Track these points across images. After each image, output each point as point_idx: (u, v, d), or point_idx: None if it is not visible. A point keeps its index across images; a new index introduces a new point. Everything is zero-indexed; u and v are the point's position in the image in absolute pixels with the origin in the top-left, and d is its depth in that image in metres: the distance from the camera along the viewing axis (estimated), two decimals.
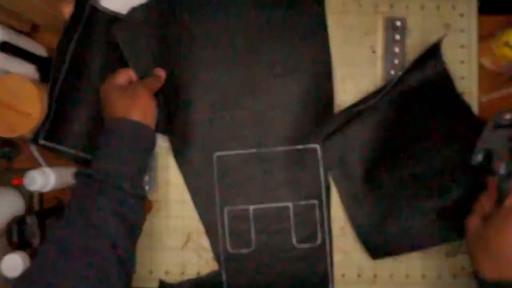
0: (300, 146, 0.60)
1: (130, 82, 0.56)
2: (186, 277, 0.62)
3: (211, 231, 0.61)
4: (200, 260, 0.62)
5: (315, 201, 0.60)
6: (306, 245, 0.60)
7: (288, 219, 0.60)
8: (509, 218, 0.40)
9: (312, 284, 0.60)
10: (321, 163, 0.60)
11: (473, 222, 0.44)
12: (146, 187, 0.61)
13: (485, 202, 0.44)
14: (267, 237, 0.60)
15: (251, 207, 0.60)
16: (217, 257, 0.61)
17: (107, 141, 0.50)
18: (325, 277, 0.60)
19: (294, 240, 0.60)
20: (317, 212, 0.60)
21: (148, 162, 0.54)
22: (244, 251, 0.60)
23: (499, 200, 0.42)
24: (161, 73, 0.58)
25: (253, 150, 0.61)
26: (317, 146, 0.60)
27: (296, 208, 0.60)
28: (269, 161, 0.61)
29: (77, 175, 0.49)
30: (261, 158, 0.61)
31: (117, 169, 0.49)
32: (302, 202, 0.60)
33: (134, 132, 0.51)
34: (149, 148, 0.54)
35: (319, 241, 0.60)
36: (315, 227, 0.60)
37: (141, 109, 0.52)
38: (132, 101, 0.51)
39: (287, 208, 0.60)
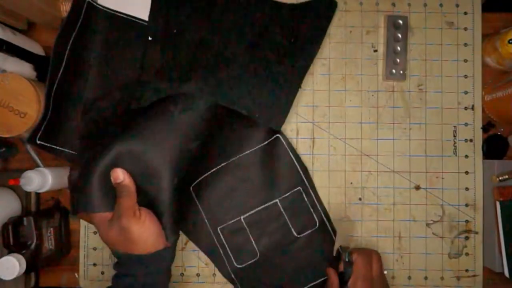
0: (265, 142, 0.60)
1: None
2: (186, 278, 0.61)
3: (214, 256, 0.60)
4: (200, 261, 0.61)
5: (299, 188, 0.60)
6: (307, 232, 0.60)
7: (281, 215, 0.60)
8: None
9: (327, 264, 0.59)
10: (288, 149, 0.60)
11: None
12: None
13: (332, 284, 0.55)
14: (268, 239, 0.60)
15: (242, 217, 0.60)
16: (229, 277, 0.60)
17: (117, 279, 0.49)
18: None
19: (294, 232, 0.60)
20: (305, 197, 0.60)
21: (165, 283, 0.51)
22: (251, 261, 0.60)
23: (342, 282, 0.54)
24: (121, 178, 0.49)
25: (223, 164, 0.60)
26: (279, 135, 0.60)
27: (284, 202, 0.60)
28: (242, 168, 0.60)
29: None
30: (234, 168, 0.60)
31: None
32: (287, 194, 0.60)
33: (140, 267, 0.48)
34: (162, 271, 0.51)
35: (317, 223, 0.60)
36: (309, 211, 0.60)
37: (139, 243, 0.48)
38: (125, 238, 0.48)
39: (275, 205, 0.60)
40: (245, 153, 0.60)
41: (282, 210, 0.60)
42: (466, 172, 0.61)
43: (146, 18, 0.60)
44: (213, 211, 0.60)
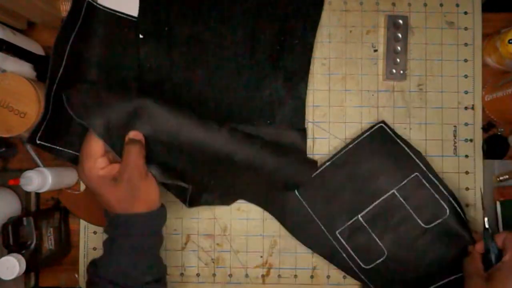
0: (367, 133, 0.59)
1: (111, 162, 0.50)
2: (185, 278, 0.61)
3: (337, 260, 0.58)
4: (200, 261, 0.61)
5: (416, 174, 0.57)
6: (437, 221, 0.56)
7: (402, 206, 0.57)
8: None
9: (458, 258, 0.55)
10: (394, 136, 0.58)
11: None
12: None
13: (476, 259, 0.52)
14: (393, 234, 0.57)
15: (359, 216, 0.58)
16: (360, 279, 0.58)
17: (113, 242, 0.48)
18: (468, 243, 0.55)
19: (421, 223, 0.57)
20: (426, 183, 0.56)
21: (159, 245, 0.51)
22: (379, 260, 0.57)
23: (488, 262, 0.51)
24: (139, 137, 0.50)
25: (328, 164, 0.59)
26: (382, 124, 0.59)
27: (402, 191, 0.57)
28: (347, 164, 0.58)
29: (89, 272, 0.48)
30: (339, 167, 0.58)
31: (127, 274, 0.47)
32: (404, 182, 0.57)
33: (141, 226, 0.48)
34: (158, 231, 0.51)
35: (448, 211, 0.56)
36: (434, 198, 0.56)
37: (145, 200, 0.48)
38: (132, 195, 0.48)
39: (393, 196, 0.57)
40: (349, 147, 0.58)
41: (402, 200, 0.57)
42: (467, 172, 0.61)
43: None
44: (326, 216, 0.58)
